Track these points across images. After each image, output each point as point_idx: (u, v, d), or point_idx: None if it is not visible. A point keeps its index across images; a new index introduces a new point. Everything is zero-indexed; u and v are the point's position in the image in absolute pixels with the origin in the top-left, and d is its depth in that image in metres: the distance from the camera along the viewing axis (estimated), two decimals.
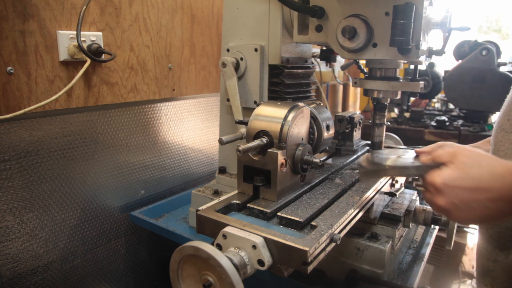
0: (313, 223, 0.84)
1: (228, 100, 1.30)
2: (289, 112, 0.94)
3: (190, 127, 1.84)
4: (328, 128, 1.12)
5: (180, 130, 1.79)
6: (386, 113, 1.28)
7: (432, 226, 1.22)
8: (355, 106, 3.73)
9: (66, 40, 1.28)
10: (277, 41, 1.22)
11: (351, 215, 0.91)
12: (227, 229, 0.79)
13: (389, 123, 1.34)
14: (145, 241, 1.70)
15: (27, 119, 1.22)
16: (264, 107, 0.99)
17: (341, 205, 0.93)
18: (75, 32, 1.27)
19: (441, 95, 3.43)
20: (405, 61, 1.23)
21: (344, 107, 3.53)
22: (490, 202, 0.67)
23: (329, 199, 0.96)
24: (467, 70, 2.70)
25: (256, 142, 0.91)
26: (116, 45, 1.46)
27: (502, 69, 2.64)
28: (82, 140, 1.38)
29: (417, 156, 0.88)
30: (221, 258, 0.68)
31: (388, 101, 1.26)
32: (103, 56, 1.38)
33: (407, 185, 1.46)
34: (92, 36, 1.35)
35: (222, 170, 1.44)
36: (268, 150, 0.91)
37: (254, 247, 0.75)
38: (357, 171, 0.95)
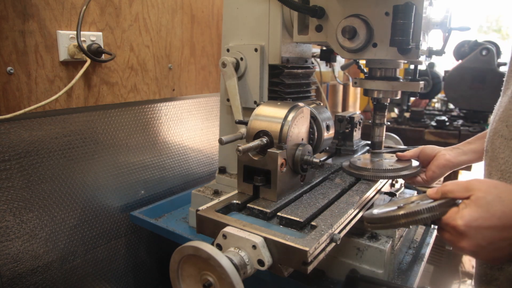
0: (313, 223, 0.84)
1: (228, 100, 1.30)
2: (289, 112, 0.94)
3: (190, 127, 1.84)
4: (328, 128, 1.12)
5: (180, 130, 1.79)
6: (386, 113, 1.28)
7: (432, 226, 1.22)
8: (355, 106, 3.73)
9: (66, 40, 1.28)
10: (277, 41, 1.22)
11: (351, 215, 0.91)
12: (227, 229, 0.79)
13: (389, 123, 1.34)
14: (145, 241, 1.70)
15: (27, 119, 1.22)
16: (264, 107, 0.99)
17: (341, 205, 0.93)
18: (75, 32, 1.27)
19: (441, 95, 3.43)
20: (405, 61, 1.24)
21: (344, 107, 3.53)
22: None
23: (329, 199, 0.96)
24: (467, 70, 2.70)
25: (256, 142, 0.91)
26: (116, 45, 1.46)
27: (502, 69, 2.64)
28: (82, 140, 1.39)
29: (424, 193, 0.80)
30: (221, 258, 0.68)
31: (388, 101, 1.26)
32: (103, 56, 1.38)
33: (407, 185, 1.46)
34: (92, 36, 1.35)
35: (222, 170, 1.44)
36: (268, 150, 0.91)
37: (254, 247, 0.75)
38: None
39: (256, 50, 1.24)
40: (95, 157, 1.43)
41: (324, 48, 1.48)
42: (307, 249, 0.71)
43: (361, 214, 0.96)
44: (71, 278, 1.42)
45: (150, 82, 1.61)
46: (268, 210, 0.88)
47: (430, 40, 1.12)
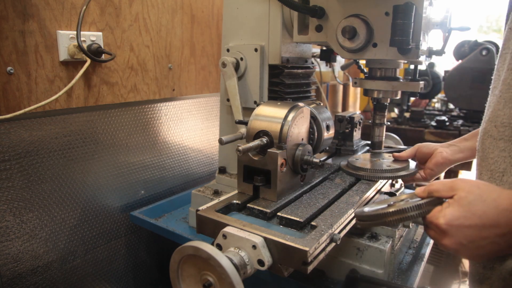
0: (313, 223, 0.84)
1: (228, 100, 1.30)
2: (289, 112, 0.94)
3: (190, 127, 1.84)
4: (328, 128, 1.12)
5: (180, 130, 1.79)
6: (386, 113, 1.28)
7: None
8: (355, 106, 3.73)
9: (66, 40, 1.28)
10: (277, 41, 1.22)
11: (351, 215, 0.91)
12: (227, 229, 0.79)
13: (389, 123, 1.34)
14: (145, 241, 1.70)
15: (27, 119, 1.22)
16: (264, 107, 0.99)
17: (341, 205, 0.93)
18: (75, 32, 1.27)
19: (441, 95, 3.43)
20: (405, 61, 1.24)
21: (344, 107, 3.53)
22: (498, 237, 0.65)
23: (329, 199, 0.96)
24: (467, 70, 2.70)
25: (256, 142, 0.91)
26: (116, 45, 1.46)
27: None
28: (82, 140, 1.38)
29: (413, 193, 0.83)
30: (221, 258, 0.68)
31: (388, 101, 1.26)
32: (103, 56, 1.38)
33: (407, 185, 1.46)
34: (92, 36, 1.35)
35: (222, 170, 1.44)
36: (268, 150, 0.91)
37: (254, 247, 0.75)
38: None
39: (256, 50, 1.24)
40: (95, 157, 1.43)
41: (324, 48, 1.48)
42: (307, 249, 0.71)
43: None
44: (71, 278, 1.42)
45: (150, 82, 1.61)
46: (268, 210, 0.88)
47: (430, 40, 1.12)
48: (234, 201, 0.94)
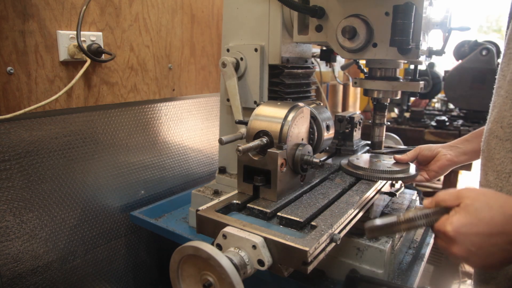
0: (313, 223, 0.84)
1: (228, 100, 1.30)
2: (289, 112, 0.94)
3: (190, 127, 1.84)
4: (328, 128, 1.12)
5: (180, 130, 1.79)
6: (386, 113, 1.28)
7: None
8: (355, 106, 3.73)
9: (66, 40, 1.28)
10: (277, 41, 1.22)
11: (351, 215, 0.91)
12: (227, 229, 0.79)
13: (389, 123, 1.34)
14: (145, 241, 1.70)
15: (27, 119, 1.22)
16: (264, 107, 0.99)
17: (341, 205, 0.93)
18: (75, 32, 1.27)
19: (441, 95, 3.43)
20: (405, 61, 1.24)
21: (344, 107, 3.53)
22: (508, 244, 0.64)
23: (329, 199, 0.96)
24: (467, 70, 2.70)
25: (256, 142, 0.91)
26: (116, 45, 1.46)
27: None
28: (82, 140, 1.38)
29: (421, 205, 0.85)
30: (221, 258, 0.68)
31: (388, 101, 1.26)
32: (103, 56, 1.38)
33: (407, 185, 1.46)
34: (92, 36, 1.35)
35: (222, 170, 1.44)
36: (268, 150, 0.91)
37: (254, 247, 0.75)
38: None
39: (256, 50, 1.24)
40: (95, 157, 1.43)
41: (324, 48, 1.48)
42: (307, 249, 0.71)
43: (361, 214, 0.96)
44: (71, 278, 1.42)
45: (150, 82, 1.61)
46: (268, 210, 0.88)
47: (430, 40, 1.12)
48: (234, 201, 0.94)
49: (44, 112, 1.26)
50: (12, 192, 1.21)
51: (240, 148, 0.87)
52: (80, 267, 1.45)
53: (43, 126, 1.26)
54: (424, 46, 1.07)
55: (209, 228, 0.86)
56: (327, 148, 1.39)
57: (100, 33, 1.38)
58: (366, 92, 1.22)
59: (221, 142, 1.11)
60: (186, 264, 0.75)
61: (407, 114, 3.06)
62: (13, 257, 1.23)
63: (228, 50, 1.30)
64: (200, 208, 0.89)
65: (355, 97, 3.70)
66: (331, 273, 1.10)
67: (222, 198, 0.95)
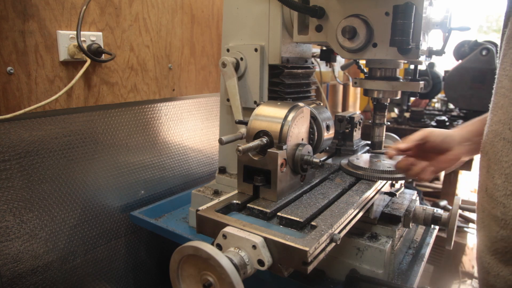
0: (313, 223, 0.84)
1: (228, 100, 1.30)
2: (289, 112, 0.94)
3: (190, 127, 1.84)
4: (328, 128, 1.12)
5: (180, 130, 1.79)
6: (386, 113, 1.28)
7: (432, 226, 1.22)
8: (355, 106, 3.73)
9: (66, 40, 1.28)
10: (277, 41, 1.22)
11: (351, 215, 0.91)
12: (227, 229, 0.79)
13: (389, 123, 1.34)
14: (145, 241, 1.70)
15: (27, 119, 1.22)
16: (264, 107, 0.99)
17: (341, 205, 0.93)
18: (75, 32, 1.27)
19: (441, 95, 3.43)
20: (405, 61, 1.23)
21: (344, 107, 3.53)
22: None
23: (329, 199, 0.96)
24: (467, 70, 2.70)
25: (256, 142, 0.91)
26: (116, 45, 1.46)
27: None
28: (82, 140, 1.38)
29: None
30: (221, 258, 0.68)
31: (388, 101, 1.26)
32: (103, 56, 1.38)
33: (407, 185, 1.46)
34: (92, 36, 1.35)
35: (222, 170, 1.44)
36: (268, 150, 0.91)
37: (254, 247, 0.75)
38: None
39: (256, 50, 1.24)
40: (95, 157, 1.43)
41: (324, 48, 1.48)
42: (307, 249, 0.71)
43: (361, 214, 0.96)
44: (71, 278, 1.42)
45: (150, 82, 1.61)
46: (268, 210, 0.88)
47: (430, 40, 1.12)
48: (234, 201, 0.94)
49: (44, 112, 1.26)
50: (12, 192, 1.21)
51: (240, 148, 0.87)
52: (80, 267, 1.45)
53: (43, 126, 1.26)
54: (424, 46, 1.07)
55: (209, 228, 0.86)
56: (327, 148, 1.39)
57: (100, 33, 1.38)
58: (366, 92, 1.22)
59: (221, 142, 1.11)
60: (186, 264, 0.75)
61: (407, 114, 3.06)
62: (13, 257, 1.23)
63: (228, 50, 1.30)
64: (200, 208, 0.89)
65: (355, 97, 3.70)
66: (331, 273, 1.10)
67: (222, 198, 0.95)
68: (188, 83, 1.79)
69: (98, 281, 1.53)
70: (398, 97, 1.21)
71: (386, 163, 1.17)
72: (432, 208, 1.17)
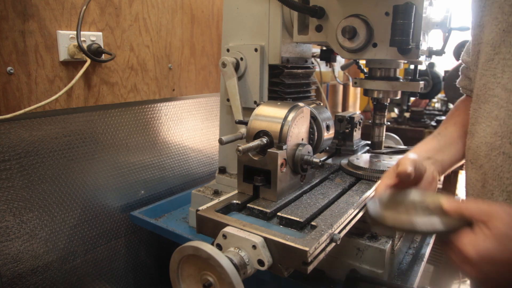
0: (313, 223, 0.84)
1: (228, 100, 1.30)
2: (289, 112, 0.94)
3: (190, 127, 1.84)
4: (328, 128, 1.12)
5: (180, 130, 1.79)
6: (386, 113, 1.28)
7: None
8: (355, 106, 3.73)
9: (66, 40, 1.28)
10: (277, 41, 1.22)
11: (351, 215, 0.91)
12: (227, 229, 0.79)
13: (389, 123, 1.34)
14: (145, 241, 1.70)
15: (27, 119, 1.22)
16: (264, 107, 0.99)
17: (341, 205, 0.93)
18: (75, 32, 1.27)
19: (441, 95, 3.43)
20: (405, 61, 1.24)
21: (344, 107, 3.53)
22: None
23: (329, 199, 0.96)
24: None
25: (256, 142, 0.91)
26: (116, 45, 1.46)
27: None
28: (82, 140, 1.38)
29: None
30: (221, 258, 0.68)
31: (388, 101, 1.26)
32: (103, 56, 1.38)
33: None
34: (92, 36, 1.35)
35: (222, 170, 1.44)
36: (268, 150, 0.91)
37: (254, 247, 0.75)
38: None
39: (256, 50, 1.24)
40: (95, 157, 1.43)
41: (324, 48, 1.48)
42: (307, 249, 0.71)
43: (361, 214, 0.96)
44: (71, 278, 1.42)
45: (150, 82, 1.61)
46: (268, 210, 0.88)
47: (430, 40, 1.12)
48: (234, 201, 0.94)
49: (44, 112, 1.26)
50: (12, 192, 1.21)
51: (240, 148, 0.87)
52: (80, 267, 1.45)
53: (43, 126, 1.26)
54: (424, 46, 1.07)
55: (209, 228, 0.85)
56: (327, 148, 1.39)
57: (100, 33, 1.38)
58: (366, 92, 1.22)
59: (221, 142, 1.11)
60: (186, 264, 0.75)
61: (407, 114, 3.06)
62: (13, 257, 1.23)
63: (228, 50, 1.30)
64: (200, 208, 0.89)
65: (355, 97, 3.70)
66: (331, 273, 1.10)
67: (222, 198, 0.95)
68: (188, 83, 1.79)
69: (98, 281, 1.53)
70: (398, 97, 1.21)
71: (386, 163, 1.17)
72: None
